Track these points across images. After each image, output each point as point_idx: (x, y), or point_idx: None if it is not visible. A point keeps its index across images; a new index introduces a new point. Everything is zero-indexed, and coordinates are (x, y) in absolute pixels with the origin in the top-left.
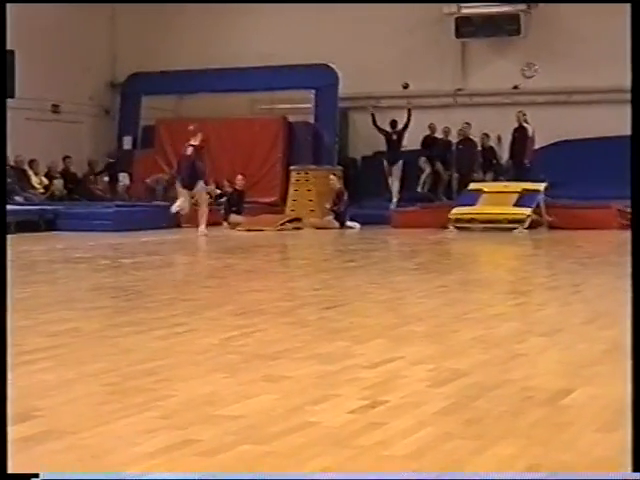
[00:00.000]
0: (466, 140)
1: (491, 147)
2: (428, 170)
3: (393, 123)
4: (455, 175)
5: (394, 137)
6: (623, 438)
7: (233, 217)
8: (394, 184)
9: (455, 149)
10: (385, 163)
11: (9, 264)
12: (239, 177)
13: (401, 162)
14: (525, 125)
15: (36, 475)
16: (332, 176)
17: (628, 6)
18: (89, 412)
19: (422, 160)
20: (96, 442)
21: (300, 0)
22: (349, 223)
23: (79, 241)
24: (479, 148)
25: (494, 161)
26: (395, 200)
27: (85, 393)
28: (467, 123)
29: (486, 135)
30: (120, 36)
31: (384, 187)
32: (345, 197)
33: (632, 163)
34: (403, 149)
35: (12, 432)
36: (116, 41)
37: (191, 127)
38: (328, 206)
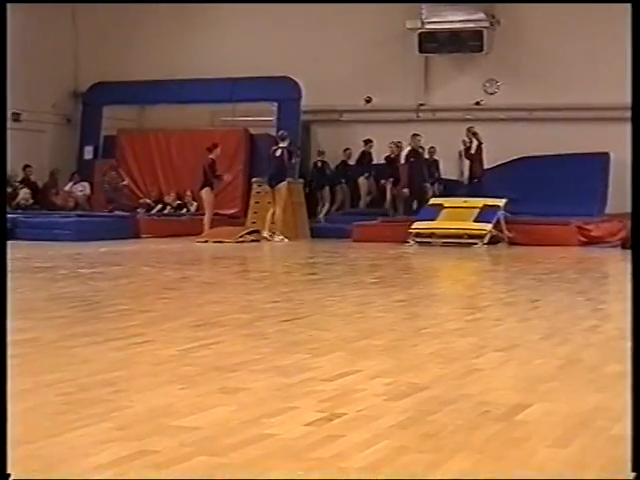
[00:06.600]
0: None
1: (435, 160)
2: (389, 192)
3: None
4: (406, 190)
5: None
6: (576, 454)
7: None
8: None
9: (406, 162)
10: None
11: None
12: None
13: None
14: (475, 141)
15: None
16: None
17: (590, 25)
18: (44, 422)
19: (362, 179)
20: (51, 452)
21: (267, 3)
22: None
23: (38, 250)
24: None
25: (436, 174)
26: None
27: (41, 403)
28: (415, 134)
29: (432, 148)
30: (83, 46)
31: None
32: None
33: (633, 172)
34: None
35: None
36: (79, 51)
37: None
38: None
